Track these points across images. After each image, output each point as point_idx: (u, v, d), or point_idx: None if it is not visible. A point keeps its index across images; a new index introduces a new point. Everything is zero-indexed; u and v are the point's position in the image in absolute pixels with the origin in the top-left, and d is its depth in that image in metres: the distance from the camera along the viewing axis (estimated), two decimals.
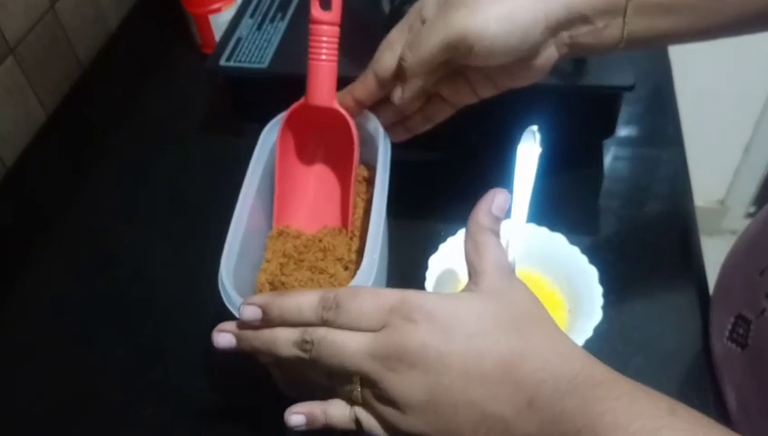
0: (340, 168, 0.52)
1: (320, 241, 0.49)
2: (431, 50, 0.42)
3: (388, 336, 0.34)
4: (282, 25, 0.66)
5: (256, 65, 0.62)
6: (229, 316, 0.40)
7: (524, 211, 0.50)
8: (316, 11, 0.46)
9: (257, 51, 0.63)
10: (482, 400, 0.32)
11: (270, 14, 0.67)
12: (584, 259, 0.48)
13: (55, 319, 0.56)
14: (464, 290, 0.37)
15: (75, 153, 0.71)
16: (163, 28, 0.82)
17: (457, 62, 0.44)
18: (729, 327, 0.46)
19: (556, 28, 0.42)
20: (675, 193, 0.60)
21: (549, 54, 0.44)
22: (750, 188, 1.57)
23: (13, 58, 0.70)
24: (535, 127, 0.51)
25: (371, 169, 0.52)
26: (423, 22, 0.44)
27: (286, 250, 0.49)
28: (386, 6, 0.67)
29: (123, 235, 0.62)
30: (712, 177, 1.53)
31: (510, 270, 0.37)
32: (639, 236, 0.56)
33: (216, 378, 0.51)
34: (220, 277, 0.42)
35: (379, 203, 0.46)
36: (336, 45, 0.47)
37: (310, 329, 0.35)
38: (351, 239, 0.50)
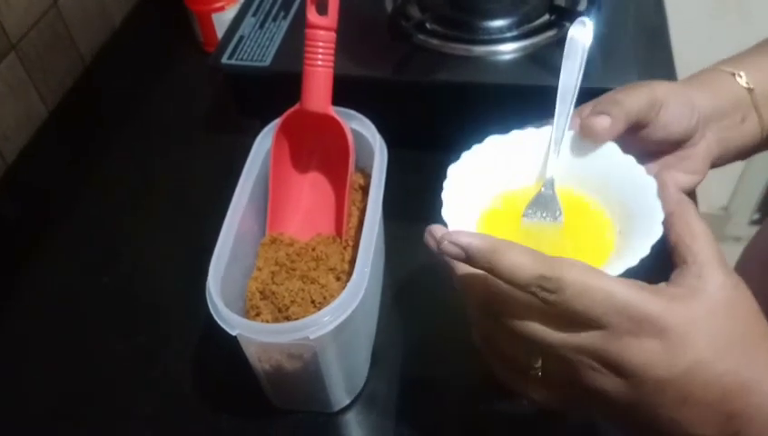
0: (336, 175, 0.52)
1: (314, 249, 0.49)
2: (639, 100, 0.42)
3: (606, 342, 0.32)
4: (285, 24, 0.65)
5: (258, 63, 0.62)
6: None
7: (567, 115, 0.42)
8: (312, 16, 0.45)
9: (259, 49, 0.63)
10: (688, 421, 0.32)
11: (273, 13, 0.67)
12: (639, 170, 0.41)
13: (56, 315, 0.56)
14: (686, 280, 0.33)
15: (76, 149, 0.71)
16: (166, 26, 0.82)
17: (640, 126, 0.43)
18: None
19: (704, 118, 0.44)
20: None
21: (706, 148, 0.46)
22: (754, 195, 1.56)
23: (15, 54, 0.70)
24: (586, 18, 0.44)
25: (367, 176, 0.51)
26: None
27: (278, 258, 0.48)
28: (388, 5, 0.67)
29: (124, 232, 0.62)
30: (715, 183, 1.53)
31: (725, 258, 0.34)
32: None
33: (215, 375, 0.51)
34: (207, 286, 0.41)
35: (373, 214, 0.45)
36: (332, 51, 0.47)
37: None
38: (345, 248, 0.49)
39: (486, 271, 0.33)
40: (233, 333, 0.40)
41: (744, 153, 0.48)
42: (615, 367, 0.32)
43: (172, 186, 0.66)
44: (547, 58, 0.59)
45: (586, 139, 0.41)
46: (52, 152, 0.71)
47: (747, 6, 1.21)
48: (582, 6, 0.62)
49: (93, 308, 0.56)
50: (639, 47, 0.61)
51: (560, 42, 0.60)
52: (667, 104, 0.42)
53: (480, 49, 0.60)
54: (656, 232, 0.36)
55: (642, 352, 0.31)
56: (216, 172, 0.64)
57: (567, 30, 0.60)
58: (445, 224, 0.37)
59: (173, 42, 0.81)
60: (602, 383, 0.32)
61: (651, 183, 0.39)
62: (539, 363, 0.34)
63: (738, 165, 1.49)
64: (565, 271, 0.31)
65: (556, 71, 0.60)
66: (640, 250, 0.36)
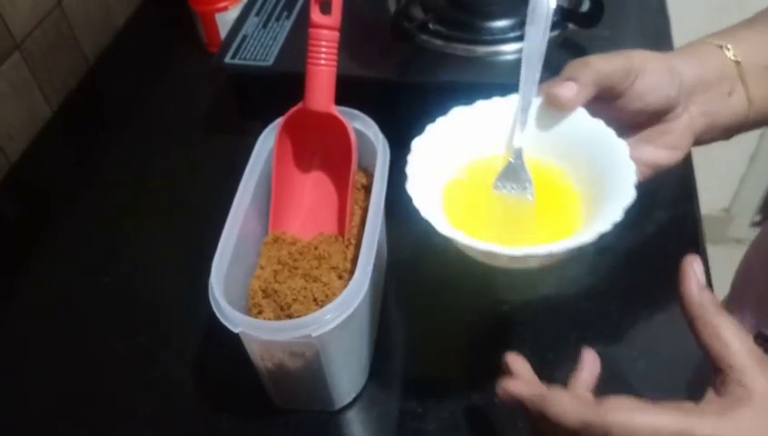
0: (338, 174, 0.52)
1: (316, 248, 0.49)
2: (613, 64, 0.41)
3: None
4: (288, 24, 0.66)
5: (260, 63, 0.62)
6: None
7: (535, 81, 0.41)
8: (316, 15, 0.46)
9: (262, 49, 0.63)
10: None
11: (276, 13, 0.67)
12: (609, 133, 0.40)
13: (56, 314, 0.56)
14: (728, 389, 0.32)
15: (79, 149, 0.71)
16: (170, 26, 0.82)
17: (614, 94, 0.42)
18: None
19: (687, 89, 0.43)
20: (681, 201, 0.59)
21: (688, 122, 0.44)
22: (755, 197, 1.56)
23: (19, 54, 0.70)
24: None
25: (370, 175, 0.51)
26: None
27: (281, 256, 0.48)
28: (391, 6, 0.67)
29: (125, 232, 0.62)
30: (717, 185, 1.53)
31: (761, 353, 0.34)
32: (645, 243, 0.55)
33: (216, 375, 0.51)
34: (210, 284, 0.41)
35: (375, 213, 0.45)
36: (335, 50, 0.47)
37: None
38: (347, 247, 0.49)
39: (537, 415, 0.35)
40: (236, 331, 0.40)
41: (731, 129, 0.47)
42: None
43: (174, 186, 0.66)
44: (550, 58, 0.59)
45: (552, 108, 0.41)
46: (55, 152, 0.72)
47: (748, 8, 1.21)
48: (585, 7, 0.62)
49: (93, 308, 0.56)
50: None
51: (563, 42, 0.61)
52: (644, 71, 0.41)
53: (483, 49, 0.60)
54: (628, 195, 0.35)
55: None
56: (217, 172, 0.64)
57: (570, 31, 0.61)
58: (410, 199, 0.38)
59: (176, 42, 0.81)
60: None
61: (621, 146, 0.38)
62: None
63: (740, 167, 1.49)
64: (609, 416, 0.32)
65: (558, 71, 0.60)
66: (611, 214, 0.35)
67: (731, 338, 0.33)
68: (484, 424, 0.46)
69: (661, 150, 0.44)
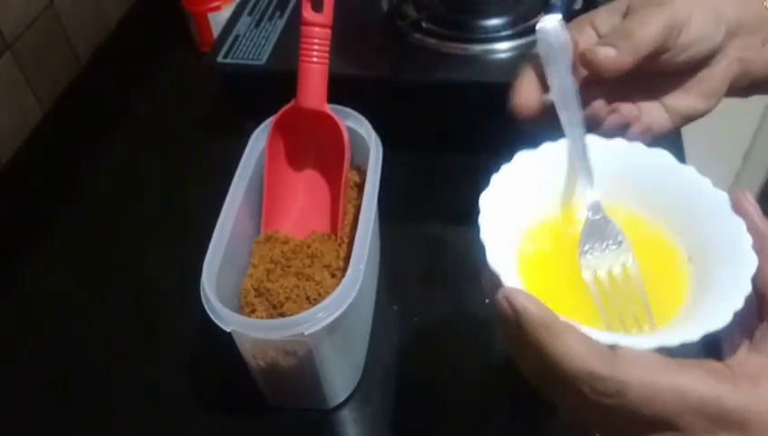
0: (331, 172, 0.52)
1: (309, 247, 0.49)
2: (652, 31, 0.37)
3: None
4: (281, 23, 0.66)
5: (253, 62, 0.62)
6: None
7: (579, 123, 0.36)
8: (307, 12, 0.46)
9: (254, 48, 0.63)
10: None
11: (269, 12, 0.67)
12: (704, 182, 0.33)
13: (48, 317, 0.56)
14: None
15: (72, 150, 0.71)
16: (162, 26, 0.82)
17: (657, 53, 0.38)
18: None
19: (729, 31, 0.39)
20: None
21: (726, 66, 0.40)
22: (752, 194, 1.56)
23: (10, 54, 0.69)
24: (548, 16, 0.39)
25: (363, 173, 0.51)
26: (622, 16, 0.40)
27: (273, 255, 0.48)
28: (384, 4, 0.67)
29: (119, 234, 0.62)
30: (712, 182, 1.53)
31: None
32: None
33: (211, 373, 0.51)
34: (202, 283, 0.41)
35: (368, 211, 0.45)
36: (327, 48, 0.47)
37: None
38: (340, 246, 0.49)
39: (532, 346, 0.28)
40: (228, 330, 0.40)
41: (758, 83, 0.42)
42: None
43: (169, 186, 0.66)
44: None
45: (587, 70, 0.36)
46: (47, 152, 0.71)
47: None
48: (577, 5, 0.62)
49: (86, 310, 0.56)
50: None
51: None
52: (689, 23, 0.37)
53: (476, 48, 0.60)
54: (752, 261, 0.29)
55: None
56: (213, 171, 0.63)
57: None
58: (496, 275, 0.30)
59: (169, 42, 0.81)
60: None
61: (722, 197, 0.33)
62: None
63: (734, 166, 1.50)
64: (629, 372, 0.27)
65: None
66: (742, 286, 0.29)
67: None
68: (480, 422, 0.46)
69: (696, 98, 0.40)
